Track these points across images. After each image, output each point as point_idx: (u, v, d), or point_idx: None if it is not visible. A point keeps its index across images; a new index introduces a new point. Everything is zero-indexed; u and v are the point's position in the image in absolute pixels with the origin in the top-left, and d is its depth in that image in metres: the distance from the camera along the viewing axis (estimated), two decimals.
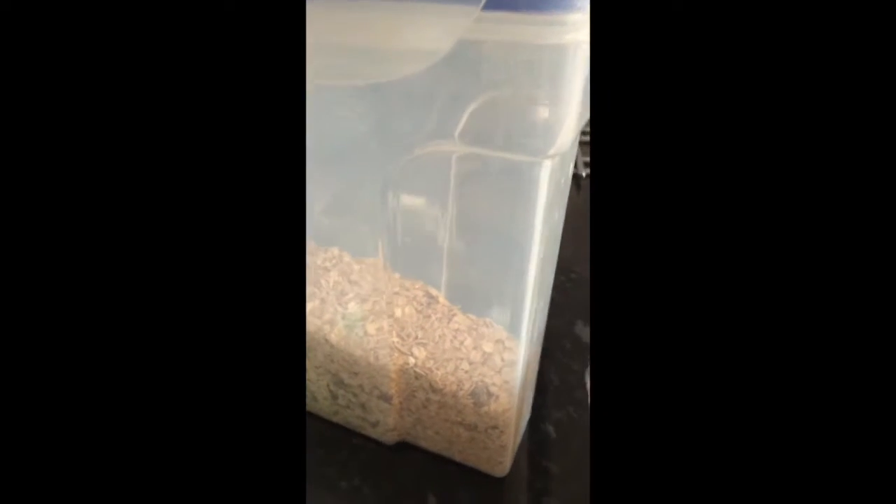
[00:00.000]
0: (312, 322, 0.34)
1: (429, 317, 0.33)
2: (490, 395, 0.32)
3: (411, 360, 0.33)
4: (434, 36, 0.23)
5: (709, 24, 0.16)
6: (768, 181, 0.16)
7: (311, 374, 0.36)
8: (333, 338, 0.33)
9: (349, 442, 0.36)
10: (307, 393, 0.37)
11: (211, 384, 0.17)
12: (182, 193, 0.17)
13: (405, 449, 0.36)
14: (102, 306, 0.16)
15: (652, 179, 0.17)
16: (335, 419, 0.37)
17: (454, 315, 0.34)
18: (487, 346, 0.33)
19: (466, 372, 0.32)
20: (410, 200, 0.31)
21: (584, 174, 0.71)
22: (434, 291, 0.33)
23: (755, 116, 0.16)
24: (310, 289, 0.34)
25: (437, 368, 0.32)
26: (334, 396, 0.36)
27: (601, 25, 0.17)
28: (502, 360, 0.32)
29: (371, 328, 0.33)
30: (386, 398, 0.34)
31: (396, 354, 0.33)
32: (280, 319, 0.18)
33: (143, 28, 0.16)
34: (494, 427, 0.32)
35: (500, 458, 0.33)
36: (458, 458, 0.35)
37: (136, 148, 0.17)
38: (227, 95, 0.17)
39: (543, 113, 0.24)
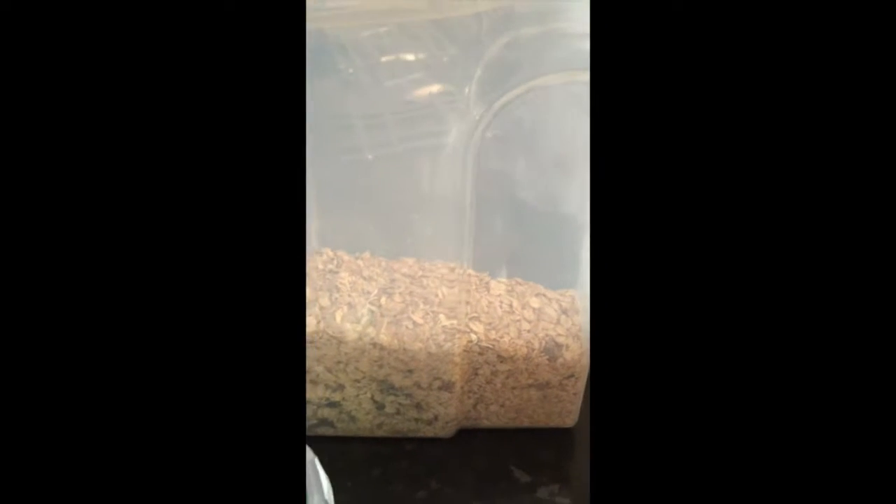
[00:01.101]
0: (352, 330, 0.30)
1: (466, 291, 0.31)
2: (559, 346, 0.31)
3: (473, 337, 0.31)
4: None
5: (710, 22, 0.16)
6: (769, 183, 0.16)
7: (348, 391, 0.32)
8: (384, 338, 0.30)
9: (403, 449, 0.33)
10: (342, 414, 0.33)
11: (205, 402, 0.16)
12: (177, 195, 0.16)
13: (466, 436, 0.34)
14: (99, 310, 0.16)
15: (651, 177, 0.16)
16: (378, 433, 0.33)
17: (488, 282, 0.33)
18: (534, 303, 0.32)
19: (529, 331, 0.31)
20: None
21: None
22: (454, 265, 0.31)
23: (755, 118, 0.16)
24: (330, 295, 0.30)
25: (502, 337, 0.31)
26: (380, 407, 0.32)
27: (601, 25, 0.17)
28: (555, 310, 0.32)
29: (417, 317, 0.31)
30: (447, 387, 0.31)
31: (457, 335, 0.30)
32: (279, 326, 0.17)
33: (135, 22, 0.16)
34: (570, 376, 0.32)
35: (572, 406, 0.33)
36: (526, 423, 0.34)
37: (132, 141, 0.16)
38: (222, 91, 0.16)
39: None
